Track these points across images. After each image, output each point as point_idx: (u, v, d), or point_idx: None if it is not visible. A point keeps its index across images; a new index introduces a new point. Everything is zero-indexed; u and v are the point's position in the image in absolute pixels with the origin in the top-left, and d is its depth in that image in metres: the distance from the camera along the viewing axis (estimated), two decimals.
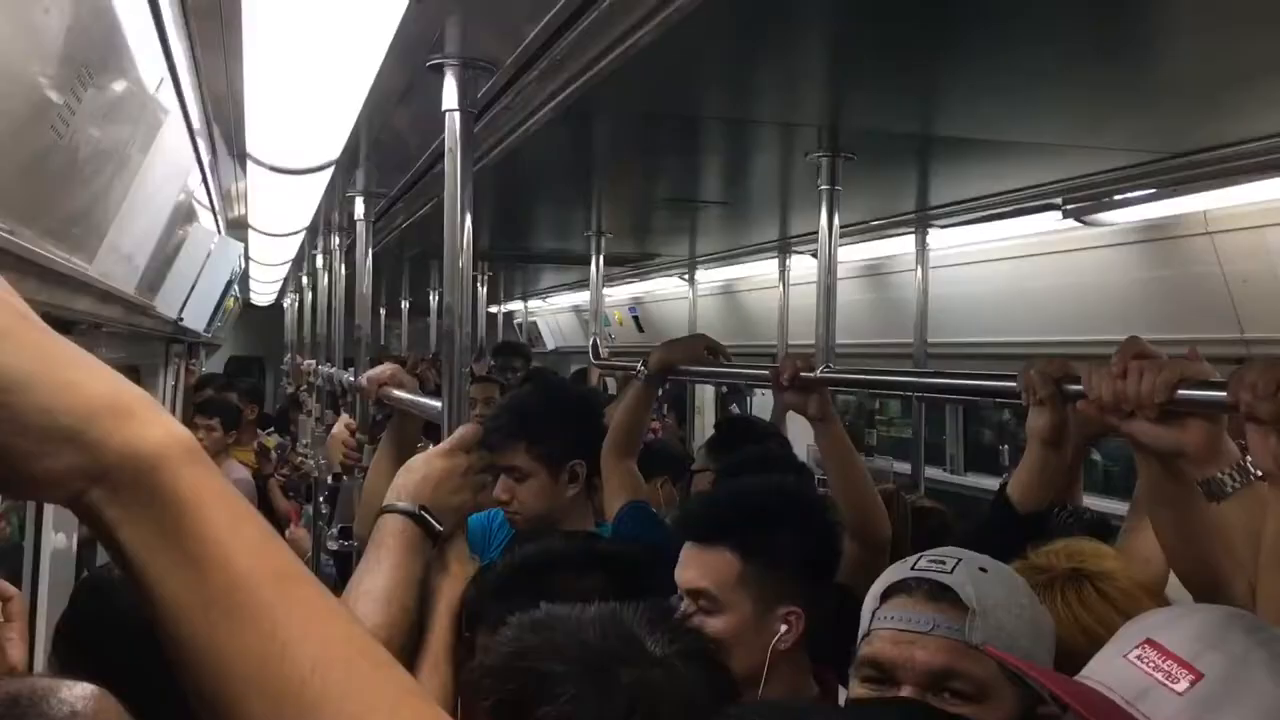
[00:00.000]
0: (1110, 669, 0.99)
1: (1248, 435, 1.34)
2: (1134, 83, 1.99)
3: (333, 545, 2.90)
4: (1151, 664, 0.95)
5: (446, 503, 1.67)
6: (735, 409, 7.10)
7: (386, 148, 2.73)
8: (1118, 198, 2.88)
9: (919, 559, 1.51)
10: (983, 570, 1.46)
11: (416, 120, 2.38)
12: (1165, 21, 1.70)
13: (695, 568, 1.86)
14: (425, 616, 1.62)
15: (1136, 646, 0.98)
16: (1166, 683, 0.93)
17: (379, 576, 1.56)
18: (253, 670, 0.58)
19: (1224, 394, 1.35)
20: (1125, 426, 1.51)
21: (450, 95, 1.81)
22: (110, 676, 1.12)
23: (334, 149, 2.66)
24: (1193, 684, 0.93)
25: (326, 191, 3.28)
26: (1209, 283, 3.00)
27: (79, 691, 0.97)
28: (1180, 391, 1.43)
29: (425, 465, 1.69)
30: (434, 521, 1.63)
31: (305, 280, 7.20)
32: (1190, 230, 3.00)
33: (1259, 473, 1.40)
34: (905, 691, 1.41)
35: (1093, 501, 3.06)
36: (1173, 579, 1.74)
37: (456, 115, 1.81)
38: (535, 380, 4.37)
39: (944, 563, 1.47)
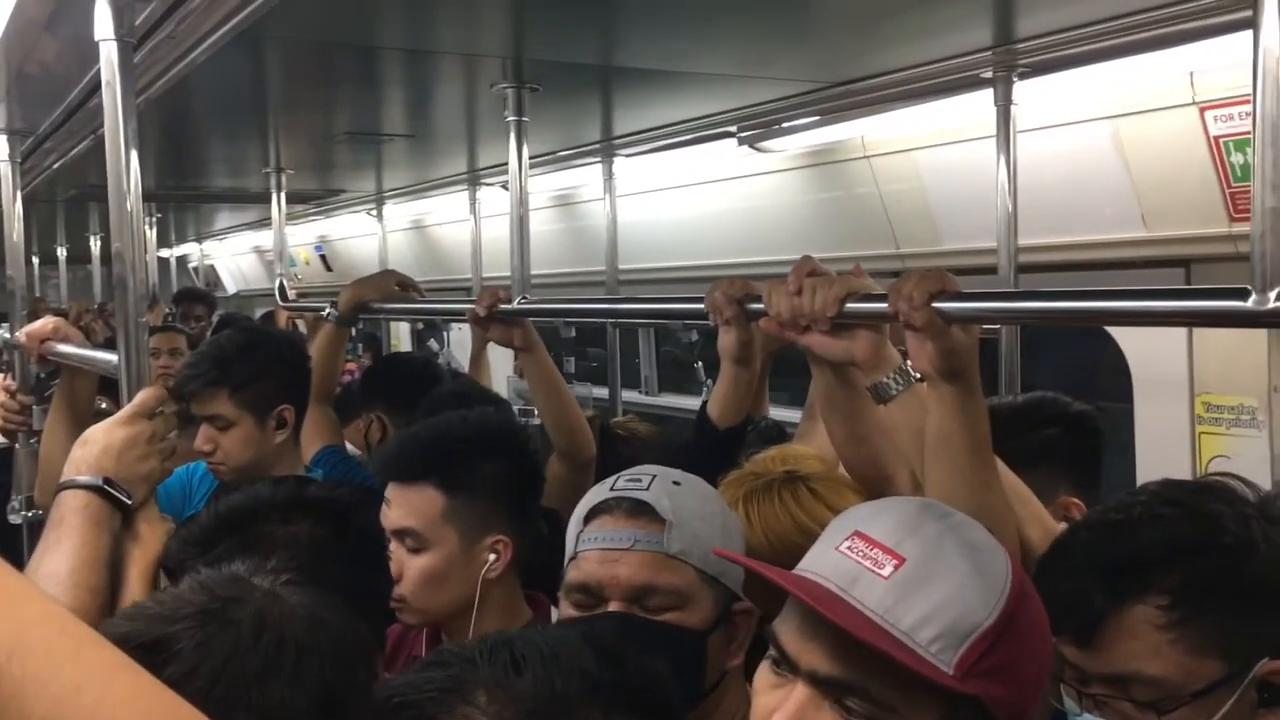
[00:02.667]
0: (825, 561, 1.07)
1: (907, 341, 1.48)
2: (798, 16, 2.11)
3: (15, 518, 2.67)
4: (860, 553, 1.05)
5: (133, 472, 1.56)
6: (433, 344, 7.04)
7: (33, 80, 2.48)
8: (785, 125, 3.05)
9: (617, 479, 1.57)
10: (676, 484, 1.54)
11: (67, 50, 2.18)
12: None
13: (400, 507, 1.85)
14: (117, 591, 1.53)
15: (846, 539, 1.07)
16: (874, 569, 1.03)
17: (60, 558, 1.45)
18: None
19: (885, 305, 1.48)
20: (803, 340, 1.63)
21: (104, 24, 1.66)
22: None
23: None
24: (896, 568, 1.03)
25: None
26: (869, 203, 3.25)
27: None
28: (848, 305, 1.56)
29: (105, 435, 1.58)
30: (120, 494, 1.53)
31: None
32: (851, 154, 3.23)
33: (919, 375, 1.56)
34: (612, 607, 1.48)
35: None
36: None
37: (113, 45, 1.67)
38: (234, 324, 4.16)
39: (640, 480, 1.54)
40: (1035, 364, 2.83)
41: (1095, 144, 2.58)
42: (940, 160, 3.00)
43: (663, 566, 1.47)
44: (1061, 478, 1.96)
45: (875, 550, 1.04)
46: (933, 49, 2.30)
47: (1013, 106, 2.41)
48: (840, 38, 2.26)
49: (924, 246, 3.14)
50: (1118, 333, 2.77)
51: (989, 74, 2.37)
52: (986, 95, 2.43)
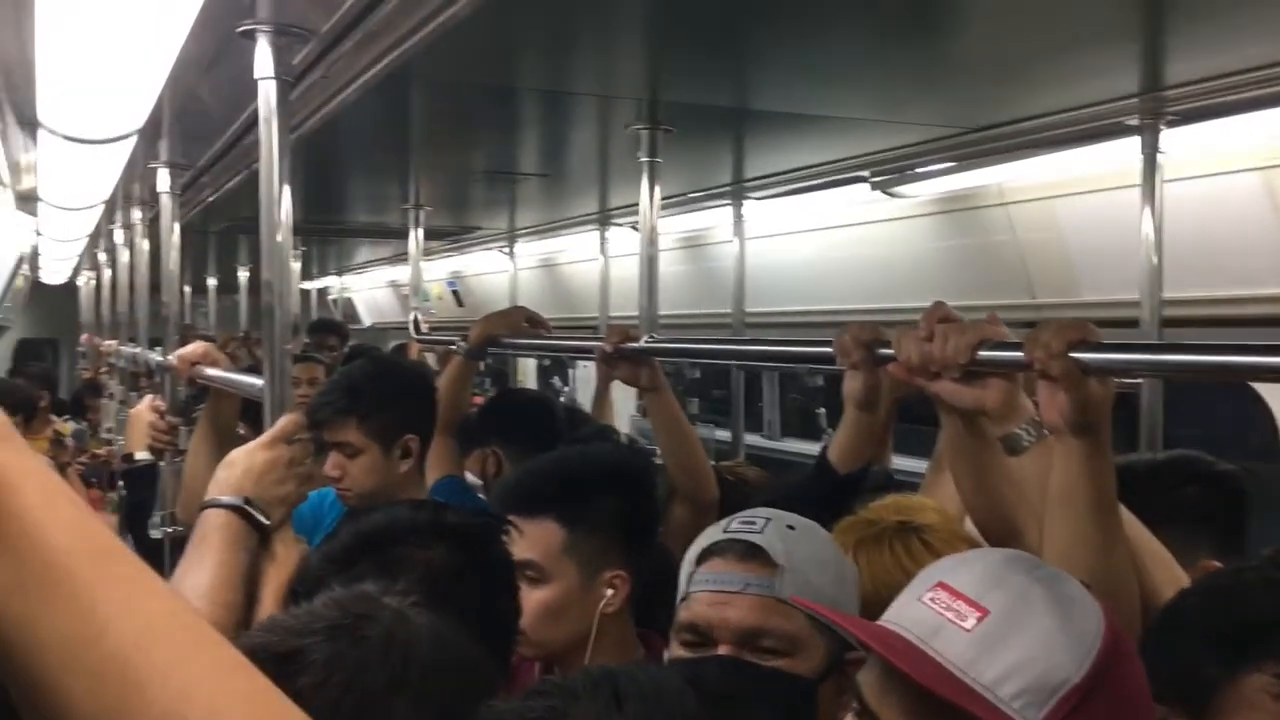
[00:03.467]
0: (907, 612, 1.05)
1: (1039, 391, 1.44)
2: (934, 61, 2.10)
3: (156, 533, 2.78)
4: (943, 604, 1.02)
5: (271, 494, 1.62)
6: (557, 382, 7.13)
7: (194, 117, 2.62)
8: (920, 170, 3.02)
9: (731, 521, 1.56)
10: (790, 528, 1.52)
11: (226, 88, 2.29)
12: (963, 5, 1.80)
13: (519, 539, 1.87)
14: (252, 608, 1.58)
15: (929, 590, 1.04)
16: (956, 621, 1.00)
17: (202, 573, 1.51)
18: (72, 651, 0.57)
19: (1020, 354, 1.45)
20: (932, 387, 1.60)
21: (264, 63, 1.75)
22: None
23: (136, 118, 2.53)
24: (979, 620, 0.99)
25: (127, 162, 3.12)
26: (1005, 251, 3.18)
27: None
28: (981, 352, 1.52)
29: (247, 458, 1.64)
30: (259, 515, 1.59)
31: (103, 257, 6.83)
32: (987, 201, 3.17)
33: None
34: (721, 650, 1.46)
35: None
36: (969, 527, 1.85)
37: (271, 84, 1.75)
38: (365, 355, 4.28)
39: (754, 523, 1.53)
40: (1177, 421, 2.72)
41: (1245, 194, 2.48)
42: (1082, 209, 2.93)
43: (774, 611, 1.45)
44: (1203, 540, 1.88)
45: (958, 602, 1.01)
46: (1077, 95, 2.25)
47: (1159, 155, 2.34)
48: (980, 82, 2.24)
49: (1062, 297, 3.07)
50: (1265, 389, 2.65)
51: (1135, 121, 2.31)
52: (1132, 143, 2.36)
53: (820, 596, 1.44)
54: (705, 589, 1.50)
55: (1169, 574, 1.54)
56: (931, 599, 1.03)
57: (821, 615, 1.16)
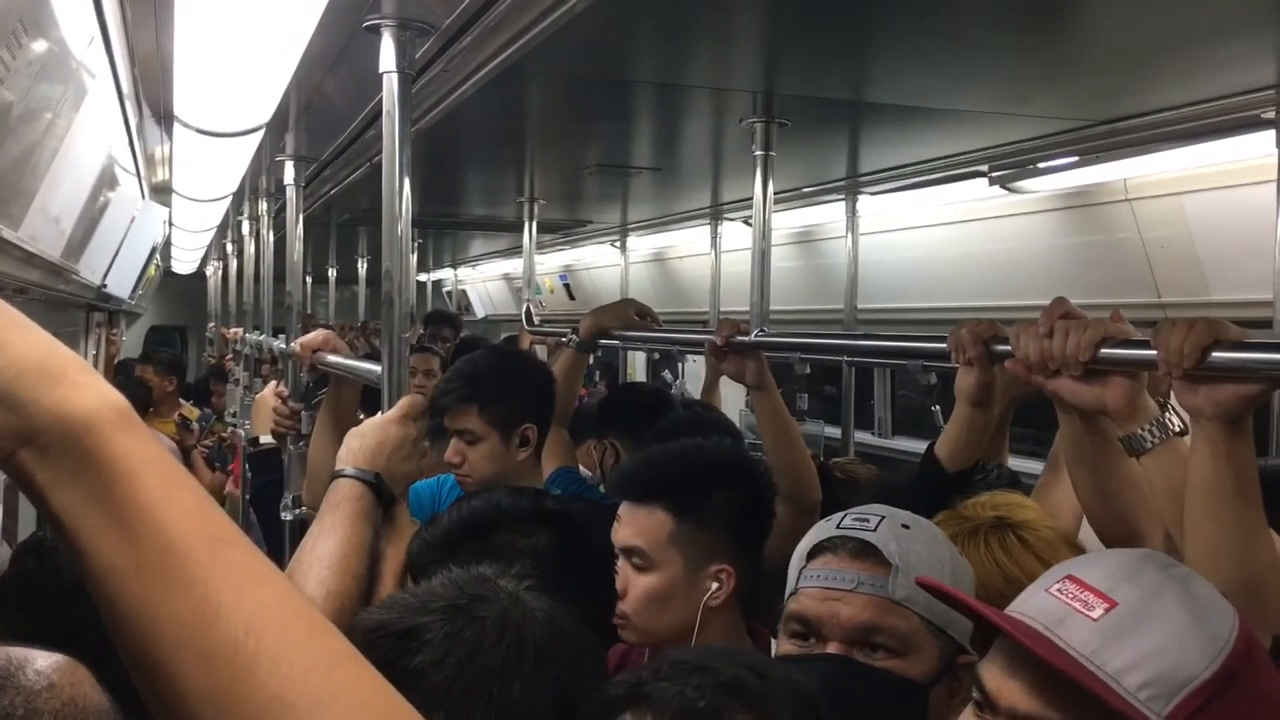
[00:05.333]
0: (1033, 601, 1.05)
1: (1176, 391, 1.39)
2: (1057, 52, 2.04)
3: (287, 515, 2.87)
4: (1070, 595, 1.02)
5: (398, 470, 1.67)
6: (667, 375, 7.14)
7: (318, 110, 2.70)
8: (1041, 165, 2.95)
9: (844, 517, 1.54)
10: (905, 527, 1.50)
11: (350, 83, 2.36)
12: None
13: (629, 526, 1.89)
14: (374, 583, 1.63)
15: (1058, 582, 1.04)
16: (1083, 610, 1.00)
17: (332, 541, 1.55)
18: (186, 634, 0.59)
19: (1148, 353, 1.40)
20: (1051, 384, 1.56)
21: (388, 56, 1.79)
22: (54, 637, 1.11)
23: (265, 112, 2.62)
24: (1107, 611, 0.99)
25: (255, 155, 3.23)
26: (1129, 248, 3.09)
27: (52, 662, 0.96)
28: (1103, 350, 1.48)
29: (379, 432, 1.69)
30: (387, 490, 1.64)
31: (230, 247, 7.08)
32: (1111, 197, 3.08)
33: (1177, 428, 1.46)
34: (831, 648, 1.45)
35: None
36: (1087, 533, 1.80)
37: (394, 77, 1.80)
38: (474, 346, 4.36)
39: (867, 520, 1.51)
40: None
41: None
42: (1211, 205, 2.82)
43: (886, 611, 1.43)
44: None
45: (1086, 593, 1.01)
46: (1207, 87, 2.18)
47: None
48: (1105, 74, 2.17)
49: (1189, 296, 2.96)
50: None
51: (1270, 114, 2.22)
52: (1265, 137, 2.27)
53: (933, 599, 1.42)
54: (817, 585, 1.48)
55: None
56: (1059, 590, 1.03)
57: (954, 595, 1.15)
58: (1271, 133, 2.26)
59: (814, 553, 1.52)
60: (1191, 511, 1.38)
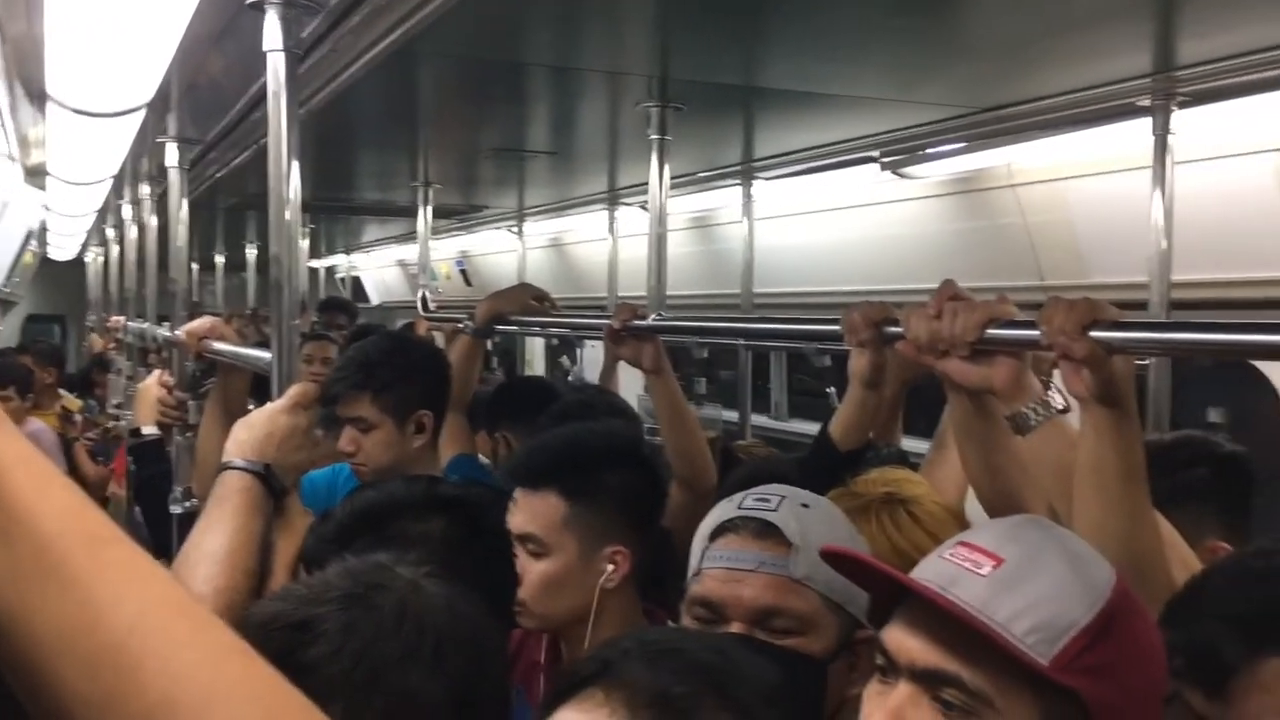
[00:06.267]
0: (929, 566, 1.11)
1: (1061, 369, 1.44)
2: (945, 39, 2.08)
3: (176, 508, 2.79)
4: (962, 557, 1.09)
5: (289, 460, 1.63)
6: (566, 361, 7.13)
7: (202, 91, 2.62)
8: (930, 151, 3.01)
9: (745, 497, 1.55)
10: (805, 506, 1.52)
11: (235, 62, 2.29)
12: None
13: (523, 512, 1.88)
14: (265, 576, 1.59)
15: (950, 549, 1.11)
16: (973, 569, 1.07)
17: (220, 536, 1.51)
18: (66, 637, 0.56)
19: (1033, 332, 1.44)
20: (940, 365, 1.60)
21: (273, 35, 1.74)
22: None
23: (145, 92, 2.53)
24: (995, 567, 1.06)
25: (136, 137, 3.12)
26: (1013, 233, 3.17)
27: None
28: (990, 331, 1.52)
29: (269, 421, 1.65)
30: (277, 482, 1.60)
31: (111, 233, 6.84)
32: (996, 183, 3.16)
33: (1060, 407, 1.51)
34: (734, 628, 1.46)
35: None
36: (973, 508, 1.85)
37: (280, 56, 1.75)
38: (379, 332, 4.29)
39: (769, 500, 1.52)
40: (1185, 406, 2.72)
41: (1256, 177, 2.47)
42: (1090, 191, 2.91)
43: (787, 590, 1.45)
44: (1210, 521, 1.88)
45: (976, 554, 1.08)
46: (1088, 75, 2.24)
47: (1170, 136, 2.33)
48: (991, 61, 2.22)
49: (1070, 279, 3.05)
50: (1275, 375, 2.65)
51: (1147, 102, 2.30)
52: (1143, 124, 2.35)
53: (834, 577, 1.44)
54: (719, 565, 1.49)
55: (1178, 554, 1.54)
56: (951, 554, 1.10)
57: (857, 558, 1.19)
58: (1148, 120, 2.33)
59: (716, 533, 1.53)
60: (1079, 492, 1.43)
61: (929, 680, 1.05)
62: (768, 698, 0.90)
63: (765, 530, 1.48)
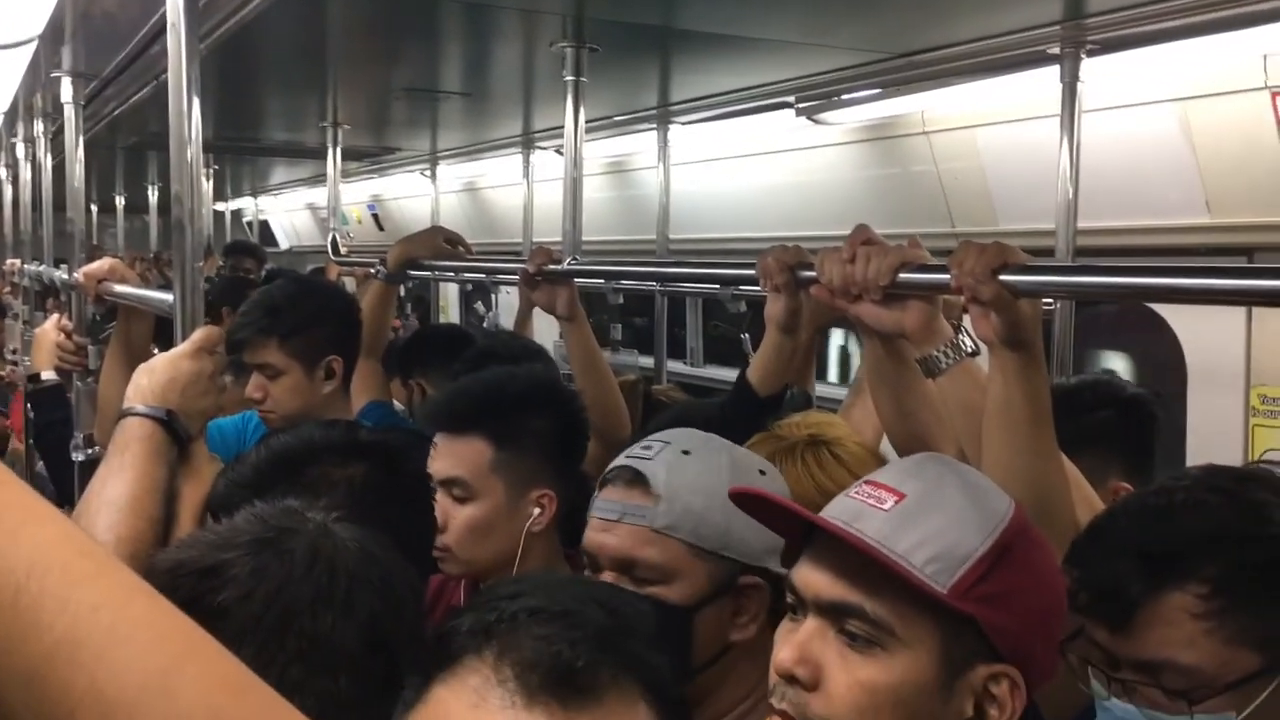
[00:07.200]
0: (836, 504, 1.15)
1: (970, 313, 1.46)
2: None
3: (79, 456, 2.70)
4: (865, 494, 1.13)
5: (194, 406, 1.58)
6: (480, 307, 7.07)
7: (97, 22, 2.51)
8: (845, 97, 3.02)
9: (634, 445, 1.55)
10: (685, 453, 1.50)
11: None
12: None
13: (447, 457, 1.86)
14: (171, 526, 1.54)
15: (856, 487, 1.15)
16: (876, 505, 1.11)
17: (122, 484, 1.46)
18: None
19: (944, 276, 1.46)
20: (853, 309, 1.61)
21: None
22: None
23: (36, 22, 2.42)
24: (897, 502, 1.10)
25: (28, 71, 2.99)
26: (926, 180, 3.21)
27: None
28: (903, 275, 1.54)
29: (171, 366, 1.59)
30: (181, 428, 1.55)
31: (3, 172, 6.57)
32: (910, 130, 3.19)
33: (969, 349, 1.53)
34: (606, 577, 1.46)
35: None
36: (888, 449, 1.88)
37: None
38: (285, 276, 4.20)
39: (650, 448, 1.51)
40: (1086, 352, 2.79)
41: (1161, 126, 2.52)
42: (1001, 139, 2.95)
43: (646, 541, 1.44)
44: (1114, 462, 1.94)
45: (879, 490, 1.12)
46: (999, 22, 2.26)
47: (1079, 85, 2.36)
48: (904, 7, 2.23)
49: (980, 226, 3.10)
50: (1175, 321, 2.72)
51: (1056, 49, 2.33)
52: (1052, 72, 2.38)
53: (704, 524, 1.43)
54: (595, 515, 1.50)
55: (1082, 494, 1.59)
56: (856, 492, 1.14)
57: (757, 495, 1.20)
58: (1057, 68, 2.37)
59: (603, 482, 1.53)
60: (987, 435, 1.46)
61: (833, 613, 1.08)
62: (655, 647, 0.89)
63: (635, 480, 1.48)
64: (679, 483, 1.46)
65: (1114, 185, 2.64)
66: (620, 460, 1.53)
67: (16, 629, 0.55)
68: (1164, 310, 2.71)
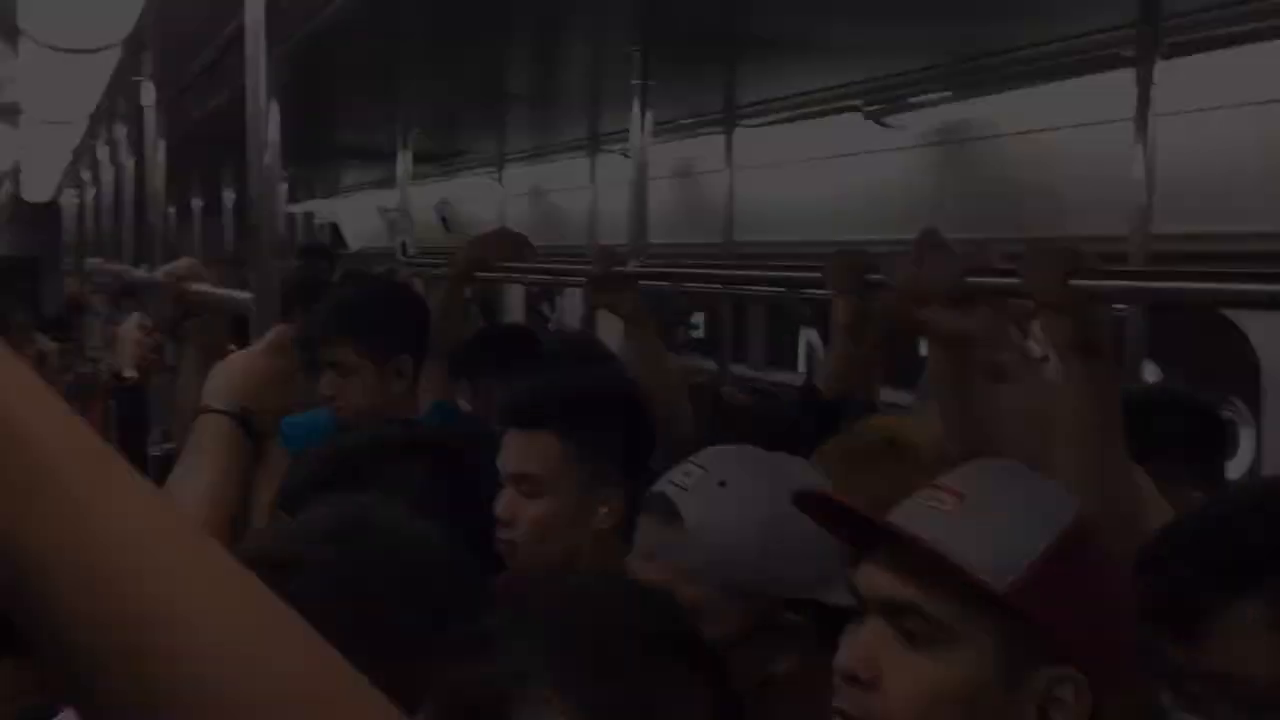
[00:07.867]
0: (898, 509, 1.14)
1: (1042, 319, 1.44)
2: None
3: (156, 451, 2.77)
4: (926, 495, 1.12)
5: (268, 404, 1.61)
6: (546, 309, 7.11)
7: (178, 29, 2.57)
8: (912, 100, 2.99)
9: (675, 470, 1.49)
10: (721, 485, 1.44)
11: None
12: None
13: (518, 452, 1.86)
14: (243, 520, 1.58)
15: (919, 491, 1.14)
16: (935, 505, 1.10)
17: (199, 479, 1.49)
18: (59, 553, 0.55)
19: (1013, 280, 1.44)
20: (920, 313, 1.60)
21: None
22: None
23: (121, 28, 2.49)
24: (957, 502, 1.09)
25: (113, 76, 3.08)
26: (996, 184, 3.17)
27: None
28: (971, 278, 1.52)
29: (247, 364, 1.63)
30: (255, 423, 1.59)
31: (87, 174, 6.75)
32: (980, 133, 3.15)
33: (1040, 355, 1.52)
34: None
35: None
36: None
37: None
38: (359, 277, 4.26)
39: (689, 475, 1.46)
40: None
41: (1241, 130, 2.47)
42: (1074, 142, 2.91)
43: (682, 579, 1.38)
44: (1184, 472, 1.90)
45: (940, 492, 1.11)
46: (1073, 25, 2.23)
47: (1153, 88, 2.32)
48: (974, 8, 2.21)
49: (1051, 231, 3.06)
50: (1250, 326, 2.66)
51: (1131, 52, 2.29)
52: (1127, 75, 2.34)
53: (736, 566, 1.39)
54: (639, 540, 1.47)
55: (1154, 504, 1.56)
56: (918, 495, 1.13)
57: (825, 498, 1.22)
58: (1131, 71, 2.33)
59: (643, 504, 1.49)
60: (1056, 443, 1.43)
61: (891, 612, 1.07)
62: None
63: (669, 514, 1.43)
64: (711, 521, 1.41)
65: (1192, 191, 2.59)
66: (660, 486, 1.48)
67: (111, 605, 0.57)
68: (1236, 314, 2.65)
